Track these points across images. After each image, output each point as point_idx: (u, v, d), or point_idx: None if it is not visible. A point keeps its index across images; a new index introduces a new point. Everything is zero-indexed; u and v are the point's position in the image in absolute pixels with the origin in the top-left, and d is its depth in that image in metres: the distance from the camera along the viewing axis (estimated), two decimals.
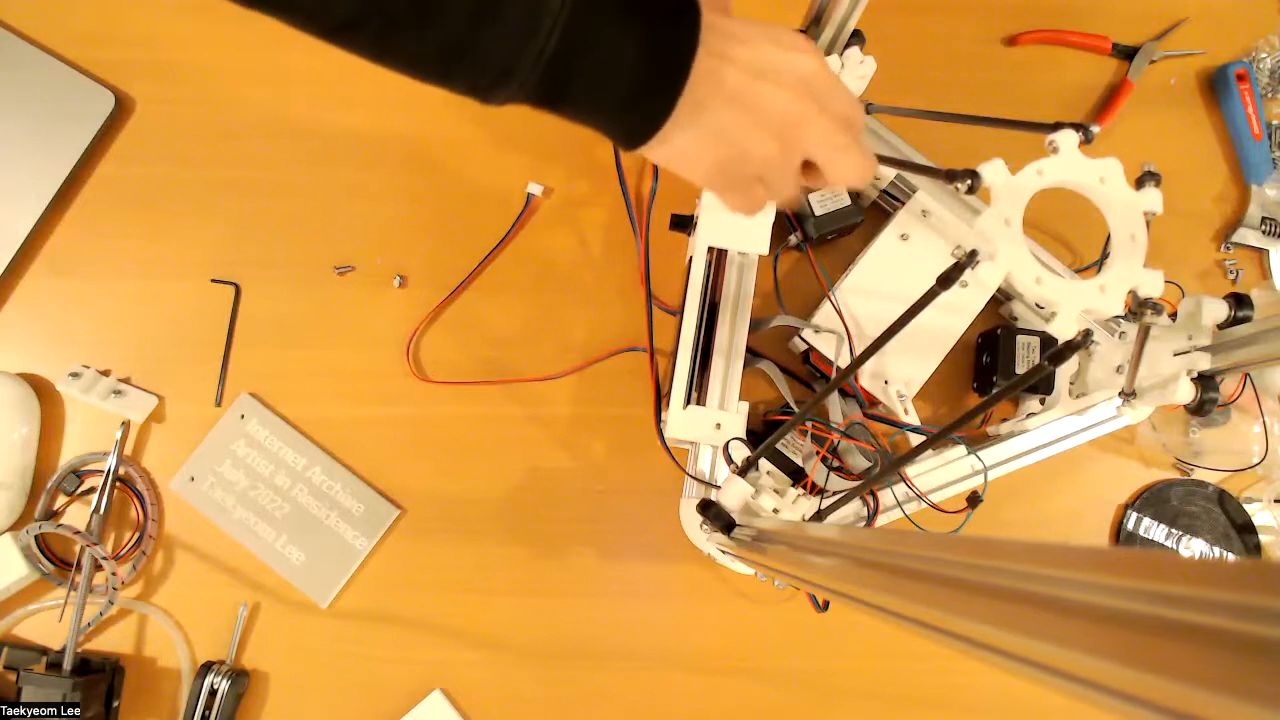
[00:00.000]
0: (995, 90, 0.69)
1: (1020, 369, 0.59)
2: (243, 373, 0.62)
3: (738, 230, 0.56)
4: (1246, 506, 0.64)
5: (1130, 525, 0.64)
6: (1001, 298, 0.64)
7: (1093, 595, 0.14)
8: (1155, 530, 0.64)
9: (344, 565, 0.60)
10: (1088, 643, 0.14)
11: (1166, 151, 0.69)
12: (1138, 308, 0.41)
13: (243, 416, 0.61)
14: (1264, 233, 0.68)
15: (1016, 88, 0.70)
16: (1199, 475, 0.65)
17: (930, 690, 0.61)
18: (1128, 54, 0.70)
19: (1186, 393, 0.50)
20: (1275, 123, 0.69)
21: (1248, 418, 0.64)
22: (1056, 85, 0.70)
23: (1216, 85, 0.70)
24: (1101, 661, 0.13)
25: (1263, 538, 0.64)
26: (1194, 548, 0.64)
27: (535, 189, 0.65)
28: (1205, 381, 0.50)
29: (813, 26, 0.51)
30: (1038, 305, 0.62)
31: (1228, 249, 0.68)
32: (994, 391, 0.44)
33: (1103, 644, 0.13)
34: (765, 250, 0.57)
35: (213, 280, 0.63)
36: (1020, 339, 0.60)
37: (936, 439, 0.38)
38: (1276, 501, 0.64)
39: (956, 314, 0.61)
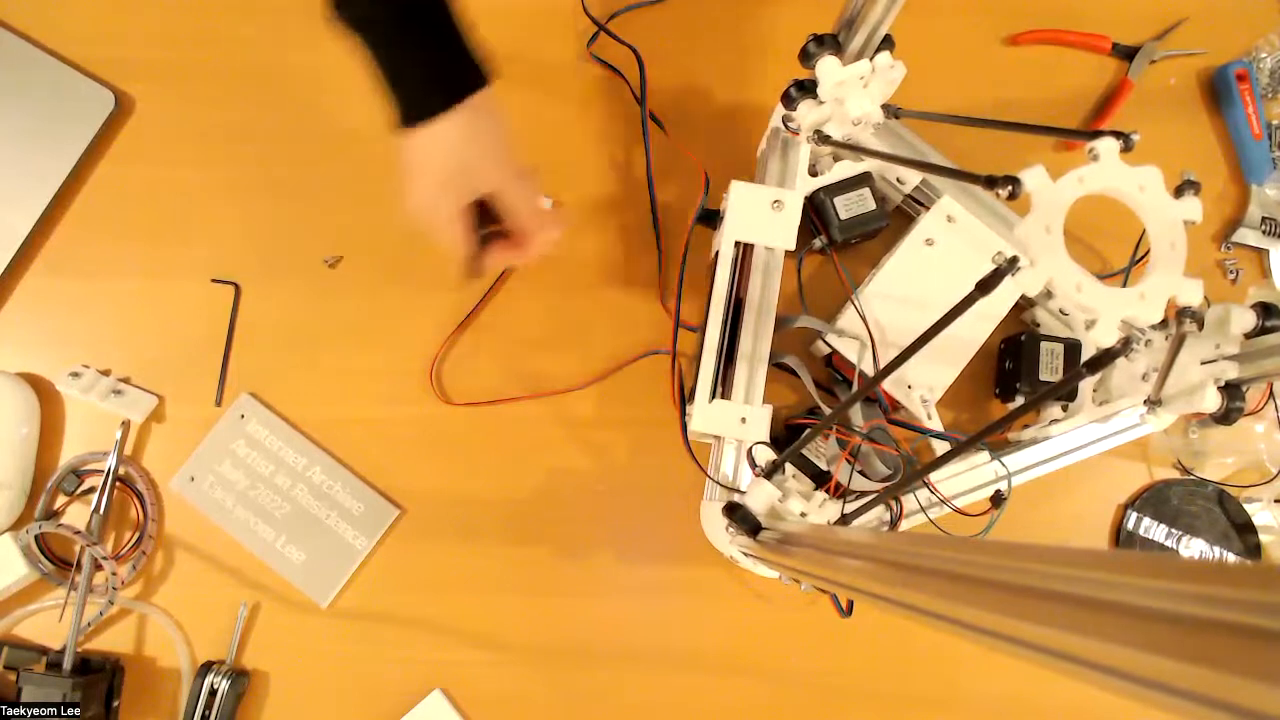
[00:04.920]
0: (995, 90, 0.69)
1: (1044, 376, 0.59)
2: (243, 373, 0.62)
3: (765, 226, 0.56)
4: (1246, 506, 0.64)
5: (1130, 525, 0.64)
6: (1024, 303, 0.64)
7: (1126, 595, 0.15)
8: (1155, 530, 0.64)
9: (344, 565, 0.60)
10: (1124, 637, 0.15)
11: (1166, 151, 0.69)
12: (1176, 316, 0.41)
13: (243, 416, 0.61)
14: (1264, 232, 0.68)
15: (1016, 88, 0.70)
16: (1199, 474, 0.64)
17: (932, 690, 0.61)
18: (1128, 54, 0.70)
19: (1213, 401, 0.49)
20: (1275, 123, 0.69)
21: (1249, 417, 0.64)
22: (1056, 85, 0.70)
23: (1216, 85, 0.70)
24: (1145, 655, 0.14)
25: (1263, 537, 0.64)
26: (1194, 548, 0.64)
27: (544, 203, 0.64)
28: (1231, 390, 0.50)
29: (845, 31, 0.51)
30: (1062, 311, 0.62)
31: (1228, 249, 0.68)
32: (1030, 399, 0.44)
33: (1141, 638, 0.14)
34: (792, 245, 0.57)
35: (213, 280, 0.63)
36: (1044, 345, 0.60)
37: (967, 445, 0.38)
38: (1276, 501, 0.64)
39: (981, 320, 0.60)
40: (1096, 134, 0.41)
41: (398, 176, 0.46)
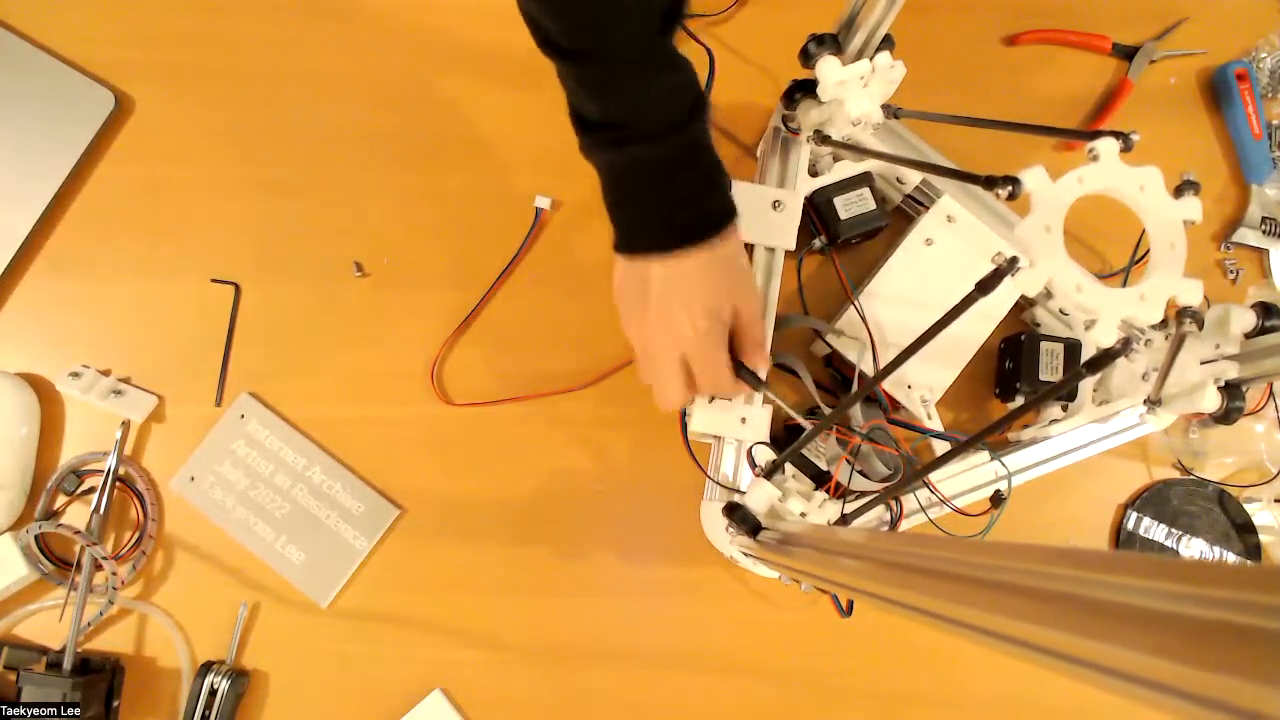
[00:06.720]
0: (995, 90, 0.69)
1: (1044, 376, 0.59)
2: (243, 373, 0.62)
3: (765, 226, 0.56)
4: (1246, 506, 0.64)
5: (1130, 525, 0.64)
6: (1024, 303, 0.64)
7: (1126, 596, 0.15)
8: (1155, 530, 0.64)
9: (344, 565, 0.60)
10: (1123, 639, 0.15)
11: (1166, 151, 0.69)
12: (1176, 317, 0.41)
13: (243, 416, 0.61)
14: (1264, 232, 0.68)
15: (1016, 88, 0.70)
16: (1199, 474, 0.65)
17: (932, 690, 0.61)
18: (1128, 54, 0.70)
19: (1213, 401, 0.49)
20: (1275, 123, 0.69)
21: (1249, 417, 0.64)
22: (1056, 85, 0.70)
23: (1216, 85, 0.70)
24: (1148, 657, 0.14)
25: (1263, 537, 0.64)
26: (1194, 548, 0.64)
27: (543, 202, 0.64)
28: (1231, 390, 0.50)
29: (844, 31, 0.51)
30: (1061, 311, 0.62)
31: (1228, 249, 0.68)
32: (1030, 399, 0.44)
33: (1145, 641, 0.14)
34: (792, 245, 0.57)
35: (213, 280, 0.63)
36: (1044, 345, 0.60)
37: (967, 445, 0.38)
38: (1277, 501, 0.64)
39: (981, 320, 0.60)
40: (1096, 134, 0.41)
41: (632, 294, 0.49)
